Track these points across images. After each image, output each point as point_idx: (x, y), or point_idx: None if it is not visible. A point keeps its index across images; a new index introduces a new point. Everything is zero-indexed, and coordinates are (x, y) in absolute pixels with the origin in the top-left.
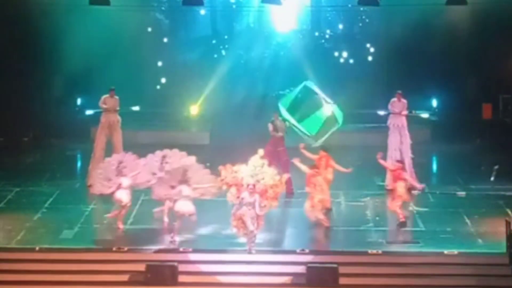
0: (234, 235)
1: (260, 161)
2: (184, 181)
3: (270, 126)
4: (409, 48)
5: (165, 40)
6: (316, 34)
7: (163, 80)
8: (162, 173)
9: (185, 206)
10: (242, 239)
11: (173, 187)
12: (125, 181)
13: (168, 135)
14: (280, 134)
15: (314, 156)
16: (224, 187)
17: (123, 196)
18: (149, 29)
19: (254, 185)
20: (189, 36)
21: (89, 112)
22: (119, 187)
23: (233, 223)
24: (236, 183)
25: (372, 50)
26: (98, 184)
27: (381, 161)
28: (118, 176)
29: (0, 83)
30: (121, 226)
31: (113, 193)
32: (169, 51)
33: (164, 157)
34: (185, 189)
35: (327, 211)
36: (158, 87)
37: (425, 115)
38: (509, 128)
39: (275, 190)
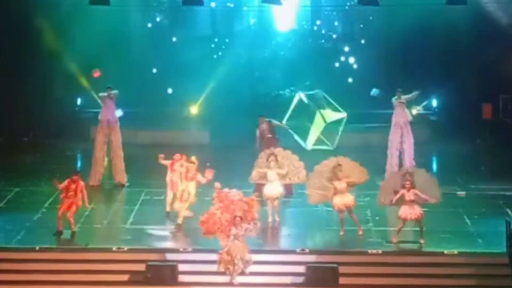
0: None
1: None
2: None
3: (257, 132)
4: (409, 48)
5: (165, 40)
6: (316, 34)
7: (170, 90)
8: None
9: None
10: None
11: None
12: (340, 185)
13: (168, 135)
14: (269, 135)
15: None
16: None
17: (338, 201)
18: (149, 29)
19: (240, 217)
20: (189, 36)
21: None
22: (335, 192)
23: (221, 265)
24: (219, 228)
25: (372, 50)
26: (315, 193)
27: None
28: (333, 181)
29: (0, 83)
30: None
31: (330, 199)
32: (169, 51)
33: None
34: (270, 173)
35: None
36: (169, 91)
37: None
38: (509, 128)
39: (251, 211)
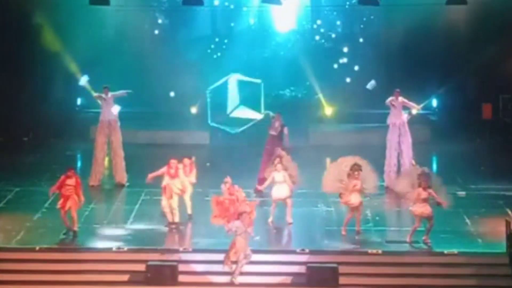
0: (234, 235)
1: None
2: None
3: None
4: (409, 48)
5: (165, 39)
6: (316, 34)
7: (172, 93)
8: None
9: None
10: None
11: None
12: (357, 184)
13: (168, 135)
14: (272, 133)
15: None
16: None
17: (352, 198)
18: (149, 29)
19: (247, 213)
20: (189, 36)
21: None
22: (347, 189)
23: (227, 261)
24: (226, 216)
25: (372, 50)
26: (330, 182)
27: None
28: (350, 179)
29: (0, 83)
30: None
31: (342, 194)
32: (169, 50)
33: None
34: (277, 175)
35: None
36: (171, 94)
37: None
38: (509, 128)
39: (250, 216)
